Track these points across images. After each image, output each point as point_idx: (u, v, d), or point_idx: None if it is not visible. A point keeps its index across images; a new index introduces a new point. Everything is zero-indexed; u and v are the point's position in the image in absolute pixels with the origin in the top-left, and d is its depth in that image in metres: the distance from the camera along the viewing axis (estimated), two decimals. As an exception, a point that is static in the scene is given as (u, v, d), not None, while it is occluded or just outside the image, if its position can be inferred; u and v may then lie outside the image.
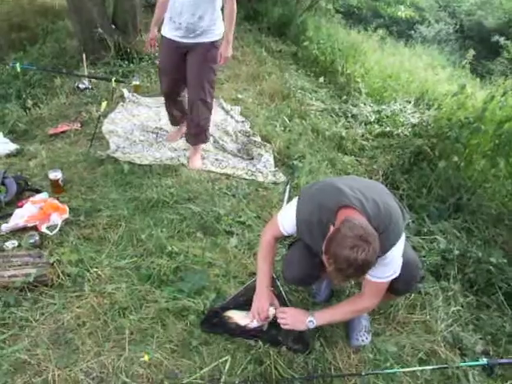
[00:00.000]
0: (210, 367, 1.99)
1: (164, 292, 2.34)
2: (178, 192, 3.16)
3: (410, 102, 5.77)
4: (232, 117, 4.70)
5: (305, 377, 2.03)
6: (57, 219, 2.72)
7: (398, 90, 6.10)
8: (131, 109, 4.55)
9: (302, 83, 6.13)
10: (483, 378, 2.20)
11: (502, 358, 2.36)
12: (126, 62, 5.68)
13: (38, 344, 2.01)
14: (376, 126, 5.04)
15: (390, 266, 1.88)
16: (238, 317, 2.20)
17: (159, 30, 3.39)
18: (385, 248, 1.81)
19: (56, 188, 3.06)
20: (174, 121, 3.92)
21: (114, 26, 6.03)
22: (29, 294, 2.23)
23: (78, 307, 2.20)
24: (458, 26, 14.54)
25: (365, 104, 5.67)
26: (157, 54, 4.78)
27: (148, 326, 2.15)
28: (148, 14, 6.02)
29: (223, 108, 4.87)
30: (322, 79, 6.36)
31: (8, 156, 3.69)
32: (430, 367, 2.12)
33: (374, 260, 1.67)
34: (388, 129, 4.92)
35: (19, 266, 2.30)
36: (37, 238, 2.57)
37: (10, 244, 2.52)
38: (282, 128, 4.62)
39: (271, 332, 2.15)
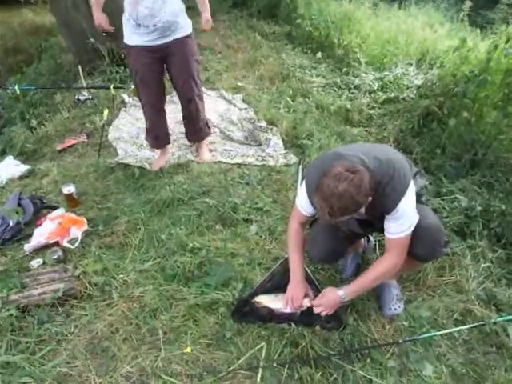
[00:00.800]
0: (246, 356, 2.01)
1: (191, 288, 2.35)
2: (192, 187, 3.16)
3: (411, 64, 5.64)
4: (235, 105, 4.68)
5: (343, 352, 2.03)
6: (76, 232, 2.75)
7: (397, 54, 5.96)
8: (134, 113, 4.57)
9: (300, 62, 6.06)
10: (523, 330, 2.17)
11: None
12: (122, 68, 5.66)
13: (76, 356, 2.04)
14: (380, 94, 4.95)
15: (404, 219, 1.86)
16: (266, 300, 2.21)
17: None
18: (394, 199, 1.81)
19: (71, 202, 3.09)
20: (158, 141, 3.54)
21: (104, 34, 6.01)
22: (60, 308, 2.26)
23: (109, 315, 2.23)
24: (451, -21, 14.19)
25: (366, 73, 5.57)
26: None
27: (180, 323, 2.17)
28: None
29: (225, 98, 4.85)
30: (319, 55, 6.26)
31: (21, 178, 3.73)
32: (467, 326, 2.10)
33: (360, 195, 1.65)
34: (393, 94, 4.83)
35: (47, 282, 2.34)
36: (60, 253, 2.60)
37: (36, 263, 2.55)
38: (286, 109, 4.58)
39: (303, 314, 2.14)
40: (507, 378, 1.96)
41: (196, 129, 3.56)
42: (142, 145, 3.91)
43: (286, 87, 5.17)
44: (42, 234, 2.73)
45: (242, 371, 1.95)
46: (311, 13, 7.07)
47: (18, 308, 2.20)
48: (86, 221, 2.85)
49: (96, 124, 4.38)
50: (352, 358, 2.02)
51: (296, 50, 6.66)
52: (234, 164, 3.58)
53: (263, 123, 4.22)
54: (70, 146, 4.20)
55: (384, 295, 2.28)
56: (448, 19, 7.81)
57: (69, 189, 3.07)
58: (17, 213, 2.88)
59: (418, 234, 1.92)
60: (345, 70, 5.75)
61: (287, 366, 1.95)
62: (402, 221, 1.87)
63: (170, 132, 3.59)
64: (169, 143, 3.61)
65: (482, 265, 2.58)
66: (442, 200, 3.11)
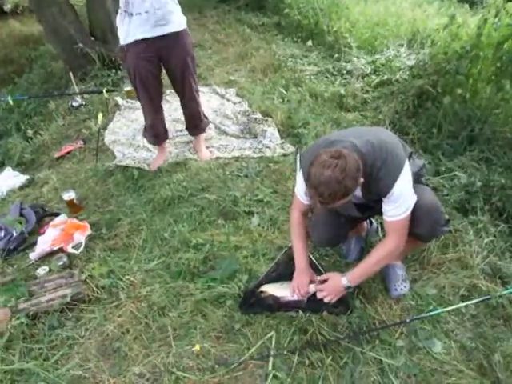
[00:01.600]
0: (256, 346, 2.02)
1: (197, 284, 2.37)
2: (191, 184, 3.18)
3: (402, 46, 5.62)
4: (228, 100, 4.68)
5: (351, 335, 2.04)
6: (80, 237, 2.77)
7: (388, 36, 5.94)
8: (128, 115, 4.57)
9: (290, 51, 6.05)
10: (529, 301, 2.18)
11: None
12: (114, 71, 5.67)
13: (88, 358, 2.06)
14: (373, 77, 4.94)
15: (401, 201, 1.86)
16: (272, 289, 2.23)
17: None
18: (388, 182, 1.81)
19: (72, 208, 3.10)
20: (158, 138, 3.57)
21: (93, 38, 6.02)
22: (69, 313, 2.28)
23: (118, 316, 2.25)
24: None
25: (358, 57, 5.55)
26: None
27: (189, 319, 2.18)
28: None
29: (218, 93, 4.85)
30: (309, 43, 6.25)
31: (21, 188, 3.74)
32: (473, 301, 2.11)
33: (347, 179, 1.66)
34: (386, 77, 4.81)
35: (54, 289, 2.36)
36: (65, 259, 2.62)
37: (42, 270, 2.57)
38: (280, 100, 4.58)
39: (310, 300, 2.15)
40: (516, 349, 1.97)
41: (197, 123, 3.58)
42: (138, 146, 3.92)
43: (279, 78, 5.17)
44: (45, 241, 2.75)
45: (254, 361, 1.96)
46: (299, 1, 7.04)
47: (28, 316, 2.21)
48: (88, 225, 2.86)
49: (92, 129, 4.38)
50: (361, 340, 2.03)
51: (286, 39, 6.65)
52: (231, 158, 3.59)
53: (258, 115, 4.22)
54: (68, 153, 4.20)
55: (389, 276, 2.29)
56: (437, -3, 7.78)
57: (69, 195, 3.08)
58: (19, 223, 2.90)
59: (418, 215, 1.93)
60: (336, 56, 5.73)
61: (297, 352, 1.97)
62: (399, 203, 1.87)
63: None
64: (167, 139, 3.65)
65: (485, 239, 2.58)
66: (442, 178, 3.11)
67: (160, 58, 3.12)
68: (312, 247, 2.50)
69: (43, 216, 3.09)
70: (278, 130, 3.97)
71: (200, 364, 1.97)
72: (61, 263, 2.58)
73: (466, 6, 6.72)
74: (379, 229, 2.66)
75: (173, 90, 3.54)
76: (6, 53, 8.99)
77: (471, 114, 3.64)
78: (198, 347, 2.02)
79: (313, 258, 2.35)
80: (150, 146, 3.86)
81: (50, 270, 2.57)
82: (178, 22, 3.06)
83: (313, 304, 2.15)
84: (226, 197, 3.01)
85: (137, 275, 2.48)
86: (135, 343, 2.10)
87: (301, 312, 2.15)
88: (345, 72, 5.25)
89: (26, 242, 2.87)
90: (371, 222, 2.68)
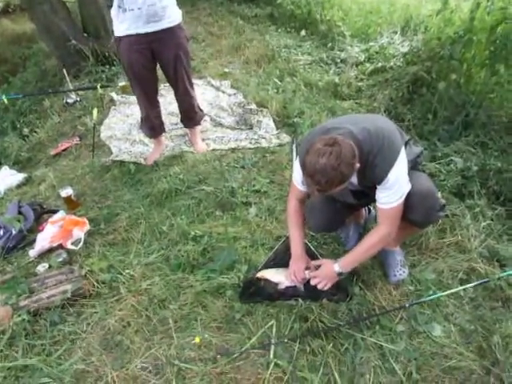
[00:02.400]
0: (257, 335, 2.03)
1: (197, 276, 2.38)
2: (188, 177, 3.18)
3: (396, 33, 5.63)
4: (223, 92, 4.67)
5: (351, 322, 2.06)
6: (79, 233, 2.77)
7: (381, 24, 5.93)
8: (123, 110, 4.56)
9: (284, 42, 6.04)
10: (527, 283, 2.20)
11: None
12: (108, 66, 5.65)
13: (91, 352, 2.07)
14: (367, 65, 4.94)
15: (395, 189, 1.86)
16: (268, 274, 2.24)
17: (112, 33, 3.16)
18: (384, 169, 1.81)
19: (70, 204, 3.11)
20: (153, 131, 3.56)
21: (86, 35, 5.99)
22: (71, 309, 2.29)
23: (119, 310, 2.25)
24: None
25: (351, 46, 5.56)
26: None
27: (189, 311, 2.20)
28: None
29: (212, 85, 4.84)
30: (303, 32, 6.24)
31: (18, 186, 3.74)
32: (472, 284, 2.11)
33: (342, 166, 1.66)
34: (380, 64, 4.82)
35: (55, 285, 2.36)
36: (64, 255, 2.62)
37: (42, 267, 2.57)
38: (275, 90, 4.58)
39: (309, 288, 2.16)
40: (515, 329, 1.99)
41: (192, 115, 3.57)
42: (135, 140, 3.91)
43: (273, 68, 5.16)
44: (44, 238, 2.75)
45: (255, 350, 1.98)
46: (291, -9, 7.02)
47: (30, 313, 2.22)
48: (87, 221, 2.87)
49: (87, 125, 4.38)
50: (361, 326, 2.05)
51: (279, 30, 6.63)
52: (227, 149, 3.59)
53: (253, 106, 4.22)
54: (64, 150, 4.20)
55: (388, 262, 2.30)
56: (429, -17, 7.74)
57: (67, 191, 3.09)
58: (18, 221, 2.89)
59: (413, 201, 1.93)
60: (330, 45, 5.73)
61: (298, 340, 1.99)
62: (394, 190, 1.87)
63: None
64: (164, 132, 3.65)
65: (483, 223, 2.59)
66: (438, 164, 3.12)
67: (153, 51, 3.10)
68: (310, 235, 2.52)
69: (41, 213, 3.09)
70: (274, 121, 3.98)
71: (202, 355, 1.98)
72: (60, 259, 2.59)
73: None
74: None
75: (167, 84, 3.53)
76: (-1, 52, 8.94)
77: (466, 98, 3.64)
78: (197, 339, 2.03)
79: (311, 247, 2.36)
80: (146, 140, 3.86)
81: (50, 267, 2.57)
82: (172, 17, 3.04)
83: (311, 292, 2.15)
84: (224, 188, 3.02)
85: (136, 269, 2.49)
86: (137, 336, 2.11)
87: (300, 300, 2.16)
88: (339, 61, 5.26)
89: (25, 240, 2.88)
90: (369, 210, 2.69)
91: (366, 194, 2.07)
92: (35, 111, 5.56)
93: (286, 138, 3.66)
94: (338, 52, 5.48)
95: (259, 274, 2.25)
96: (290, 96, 4.31)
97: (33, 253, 2.70)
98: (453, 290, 2.11)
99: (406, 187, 1.89)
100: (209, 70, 5.39)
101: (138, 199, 3.08)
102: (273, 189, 3.03)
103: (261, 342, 2.01)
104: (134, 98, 4.69)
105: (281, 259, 2.30)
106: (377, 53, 5.15)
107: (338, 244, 2.55)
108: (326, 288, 2.05)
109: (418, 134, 3.61)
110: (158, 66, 3.26)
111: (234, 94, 4.61)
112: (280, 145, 3.59)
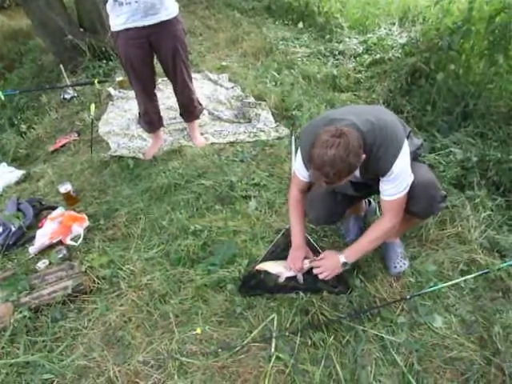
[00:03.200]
0: (258, 329, 2.03)
1: (197, 270, 2.38)
2: (187, 171, 3.17)
3: (394, 24, 5.60)
4: (221, 85, 4.66)
5: (353, 314, 2.06)
6: (78, 229, 2.77)
7: (379, 15, 5.90)
8: (121, 105, 4.54)
9: (282, 34, 6.00)
10: (527, 273, 2.20)
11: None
12: (105, 61, 5.63)
13: (92, 348, 2.07)
14: (366, 56, 4.91)
15: (399, 181, 1.86)
16: (267, 266, 2.25)
17: (109, 28, 3.15)
18: (388, 161, 1.81)
19: (69, 200, 3.10)
20: (151, 125, 3.58)
21: (82, 29, 5.96)
22: (72, 305, 2.29)
23: (120, 305, 2.25)
24: None
25: (349, 38, 5.52)
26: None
27: (190, 305, 2.20)
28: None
29: (210, 79, 4.83)
30: (300, 25, 6.20)
31: (17, 183, 3.74)
32: (472, 275, 2.13)
33: (351, 156, 1.65)
34: (378, 56, 4.79)
35: (55, 281, 2.36)
36: (64, 251, 2.62)
37: (42, 264, 2.57)
38: (273, 83, 4.56)
39: (309, 281, 2.16)
40: (515, 320, 1.99)
41: (191, 110, 3.56)
42: (133, 135, 3.90)
43: (271, 61, 5.14)
44: (44, 234, 2.75)
45: (256, 344, 1.98)
46: (288, -17, 6.97)
47: (30, 309, 2.22)
48: (86, 217, 2.87)
49: (85, 121, 4.37)
50: (362, 318, 2.05)
51: (277, 22, 6.59)
52: (226, 143, 3.58)
53: (251, 99, 4.21)
54: (63, 146, 4.19)
55: (388, 254, 2.30)
56: (427, -27, 7.70)
57: (66, 187, 3.08)
58: (17, 217, 2.89)
59: (415, 192, 1.93)
60: (328, 37, 5.70)
61: (299, 333, 1.99)
62: (398, 182, 1.87)
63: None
64: (162, 126, 3.65)
65: (483, 214, 2.59)
66: (438, 155, 3.11)
67: (150, 45, 3.08)
68: (310, 228, 2.51)
69: (41, 210, 3.08)
70: (272, 114, 3.97)
71: (203, 349, 1.98)
72: (60, 256, 2.59)
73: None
74: (377, 208, 2.67)
75: (165, 78, 3.53)
76: (-5, 48, 8.88)
77: (465, 89, 3.62)
78: (199, 330, 2.04)
79: (311, 239, 2.35)
80: (145, 135, 3.85)
81: (50, 263, 2.57)
82: (169, 9, 3.02)
83: (312, 284, 2.16)
84: (223, 182, 3.01)
85: (137, 264, 2.49)
86: (138, 331, 2.11)
87: (301, 293, 2.16)
88: (337, 53, 5.23)
89: (24, 237, 2.87)
90: (370, 202, 2.68)
91: (367, 186, 2.07)
92: (32, 107, 5.54)
93: (284, 130, 3.65)
94: (335, 44, 5.44)
95: (259, 266, 2.26)
96: (288, 89, 4.29)
97: (33, 249, 2.70)
98: (453, 282, 2.12)
99: (410, 179, 1.89)
100: (206, 63, 5.37)
101: (138, 194, 3.08)
102: (272, 182, 3.02)
103: (262, 335, 2.01)
104: (131, 93, 4.69)
105: (281, 251, 2.31)
106: (375, 44, 5.11)
107: (339, 236, 2.55)
108: (327, 278, 2.05)
109: (417, 125, 3.59)
110: (157, 59, 3.24)
111: (232, 87, 4.60)
112: (279, 138, 3.58)
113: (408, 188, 1.90)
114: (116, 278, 2.42)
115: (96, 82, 4.47)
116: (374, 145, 1.79)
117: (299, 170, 2.10)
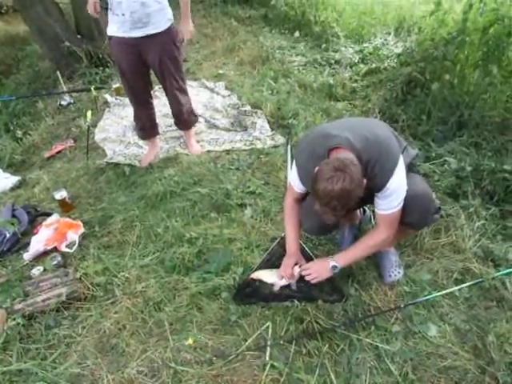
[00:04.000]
0: (253, 337, 2.04)
1: (192, 278, 2.38)
2: (183, 179, 3.17)
3: (389, 34, 5.66)
4: (218, 93, 4.67)
5: (347, 323, 2.06)
6: (73, 236, 2.76)
7: (375, 25, 5.95)
8: (118, 112, 4.54)
9: (278, 43, 6.03)
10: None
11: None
12: (102, 68, 5.63)
13: (86, 356, 2.06)
14: (362, 66, 4.95)
15: (394, 196, 1.87)
16: (262, 275, 2.25)
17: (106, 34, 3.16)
18: (383, 178, 1.81)
19: (65, 207, 3.09)
20: (144, 132, 3.57)
21: (79, 36, 5.97)
22: (66, 312, 2.28)
23: (114, 313, 2.25)
24: None
25: (345, 47, 5.56)
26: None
27: (185, 313, 2.19)
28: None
29: (207, 87, 4.84)
30: (297, 34, 6.23)
31: (12, 189, 3.71)
32: (467, 284, 2.14)
33: (356, 188, 1.66)
34: (374, 65, 4.83)
35: (49, 288, 2.35)
36: (59, 258, 2.61)
37: (36, 270, 2.56)
38: (270, 91, 4.58)
39: (304, 289, 2.17)
40: (509, 329, 1.99)
41: (182, 119, 3.54)
42: (129, 142, 3.90)
43: (267, 70, 5.15)
44: (39, 241, 2.74)
45: (251, 352, 1.98)
46: (285, -8, 7.02)
47: (24, 316, 2.21)
48: (81, 224, 2.86)
49: (82, 128, 4.36)
50: (357, 327, 2.05)
51: (273, 31, 6.62)
52: (222, 151, 3.59)
53: (248, 107, 4.22)
54: (58, 152, 4.18)
55: (383, 263, 2.31)
56: (422, -16, 7.77)
57: (61, 194, 3.07)
58: (12, 224, 2.88)
59: (409, 204, 1.93)
60: (324, 46, 5.73)
61: (294, 341, 1.99)
62: (393, 198, 1.88)
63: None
64: (157, 134, 3.63)
65: (477, 223, 2.60)
66: (432, 164, 3.13)
67: (140, 55, 3.08)
68: (305, 237, 2.52)
69: (36, 216, 3.07)
70: (268, 122, 3.98)
71: (198, 357, 1.98)
72: (55, 262, 2.57)
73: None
74: (372, 217, 2.67)
75: (161, 86, 3.52)
76: (-9, 54, 8.87)
77: (459, 99, 3.65)
78: (191, 341, 2.03)
79: (306, 248, 2.36)
80: (141, 142, 3.85)
81: (45, 270, 2.56)
82: (157, 23, 2.98)
83: (304, 291, 2.18)
84: (218, 190, 3.01)
85: (132, 271, 2.48)
86: (132, 339, 2.11)
87: (296, 301, 2.16)
88: (333, 62, 5.26)
89: (19, 243, 2.86)
90: (364, 211, 2.69)
91: (361, 199, 2.07)
92: (29, 113, 5.52)
93: (280, 139, 3.66)
94: (332, 53, 5.48)
95: (254, 275, 2.26)
96: (284, 97, 4.31)
97: (27, 256, 2.69)
98: (448, 290, 2.13)
99: (405, 192, 1.90)
100: (203, 71, 5.38)
101: (133, 201, 3.07)
102: (268, 190, 3.03)
103: (257, 343, 2.01)
104: (128, 100, 4.69)
105: (276, 260, 2.31)
106: (371, 54, 5.16)
107: (333, 245, 2.56)
108: (315, 281, 2.05)
109: (412, 134, 3.61)
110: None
111: (229, 95, 4.61)
112: (275, 146, 3.59)
113: (403, 202, 1.91)
114: (111, 285, 2.41)
115: (93, 88, 4.47)
116: (370, 162, 1.80)
117: (294, 181, 2.11)
